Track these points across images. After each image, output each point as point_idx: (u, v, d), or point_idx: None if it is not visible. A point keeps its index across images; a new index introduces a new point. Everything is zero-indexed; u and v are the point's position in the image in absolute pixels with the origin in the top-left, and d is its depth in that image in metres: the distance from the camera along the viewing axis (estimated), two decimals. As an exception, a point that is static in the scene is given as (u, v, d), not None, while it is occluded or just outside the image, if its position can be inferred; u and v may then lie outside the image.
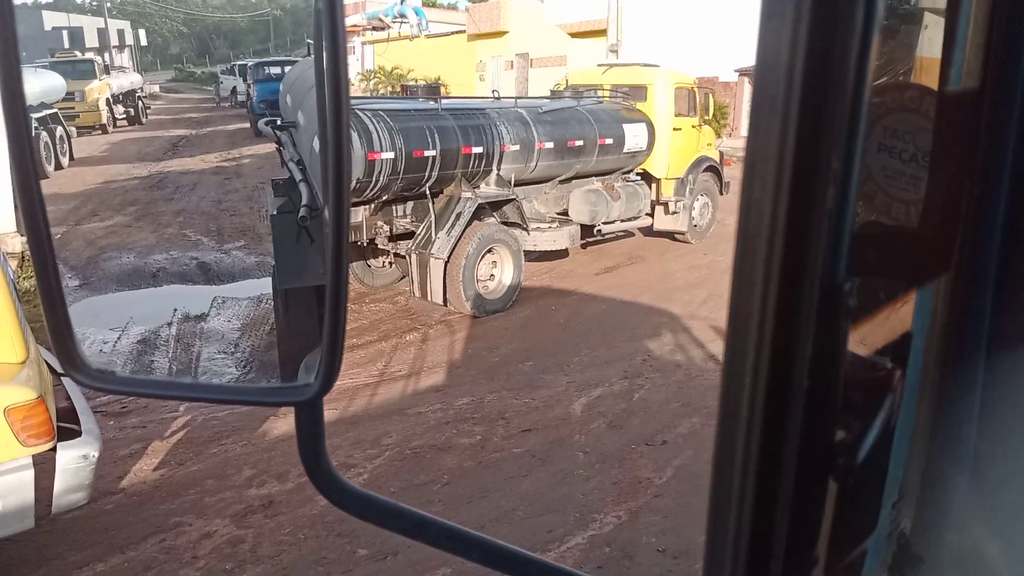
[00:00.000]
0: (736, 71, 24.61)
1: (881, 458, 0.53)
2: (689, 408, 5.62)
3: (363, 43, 32.33)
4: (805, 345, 0.41)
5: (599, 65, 11.54)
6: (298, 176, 4.52)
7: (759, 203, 0.41)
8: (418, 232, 7.61)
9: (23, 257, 9.01)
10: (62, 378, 4.06)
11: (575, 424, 5.40)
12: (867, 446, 0.50)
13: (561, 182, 9.00)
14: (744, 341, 0.41)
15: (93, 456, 3.39)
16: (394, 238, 7.74)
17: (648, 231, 10.62)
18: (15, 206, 9.14)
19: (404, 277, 8.44)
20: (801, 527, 0.44)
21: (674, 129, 9.98)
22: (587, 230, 9.17)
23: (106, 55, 36.86)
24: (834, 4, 0.39)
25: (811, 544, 0.46)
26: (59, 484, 3.32)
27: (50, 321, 0.63)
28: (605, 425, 5.39)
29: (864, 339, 0.54)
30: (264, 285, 8.49)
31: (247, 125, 24.71)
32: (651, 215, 10.19)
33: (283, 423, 5.38)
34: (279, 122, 6.03)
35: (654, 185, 10.11)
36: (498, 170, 8.02)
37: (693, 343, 6.96)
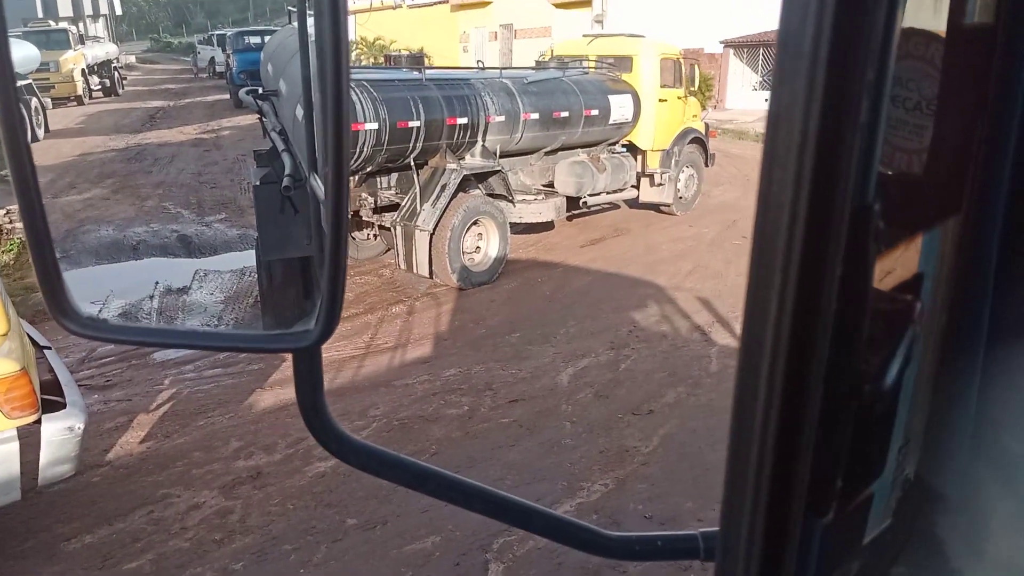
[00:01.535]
0: (721, 43, 24.48)
1: (894, 399, 0.53)
2: (675, 378, 5.67)
3: (344, 13, 31.78)
4: (833, 272, 0.40)
5: (584, 36, 11.44)
6: (280, 146, 4.45)
7: (786, 141, 0.40)
8: (403, 204, 7.56)
9: (1, 230, 8.87)
10: (44, 351, 4.02)
11: (562, 394, 5.43)
12: (884, 385, 0.49)
13: (547, 154, 8.96)
14: (770, 266, 0.40)
15: (79, 428, 3.37)
16: (379, 210, 7.68)
17: (634, 203, 10.62)
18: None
19: (389, 249, 8.39)
20: (822, 462, 0.43)
21: (660, 100, 9.93)
22: (573, 202, 9.15)
23: (80, 25, 36.01)
24: None
25: (830, 481, 0.46)
26: (45, 456, 3.30)
27: (39, 269, 0.62)
28: (592, 395, 5.42)
29: (881, 278, 0.54)
30: (246, 258, 8.41)
31: (226, 96, 24.32)
32: (636, 187, 10.17)
33: (270, 395, 5.37)
34: (260, 91, 5.94)
35: (640, 157, 10.09)
36: (483, 141, 7.96)
37: (679, 314, 7.00)
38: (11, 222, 9.09)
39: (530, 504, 0.73)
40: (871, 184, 0.43)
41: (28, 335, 3.86)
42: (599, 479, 4.35)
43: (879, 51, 0.41)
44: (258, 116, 6.71)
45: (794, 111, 0.40)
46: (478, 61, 10.05)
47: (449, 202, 7.42)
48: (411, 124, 7.12)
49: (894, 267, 0.54)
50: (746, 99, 24.61)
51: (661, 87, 9.95)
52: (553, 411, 5.19)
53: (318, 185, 2.06)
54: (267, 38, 17.35)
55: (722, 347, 6.16)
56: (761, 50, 24.21)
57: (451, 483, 0.72)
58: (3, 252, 8.56)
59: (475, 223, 7.78)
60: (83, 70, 24.38)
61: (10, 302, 3.75)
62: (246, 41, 24.15)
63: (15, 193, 0.58)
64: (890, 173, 0.63)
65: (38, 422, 3.26)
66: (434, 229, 7.32)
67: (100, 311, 6.86)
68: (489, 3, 26.24)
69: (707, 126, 11.31)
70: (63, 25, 26.60)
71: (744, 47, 24.66)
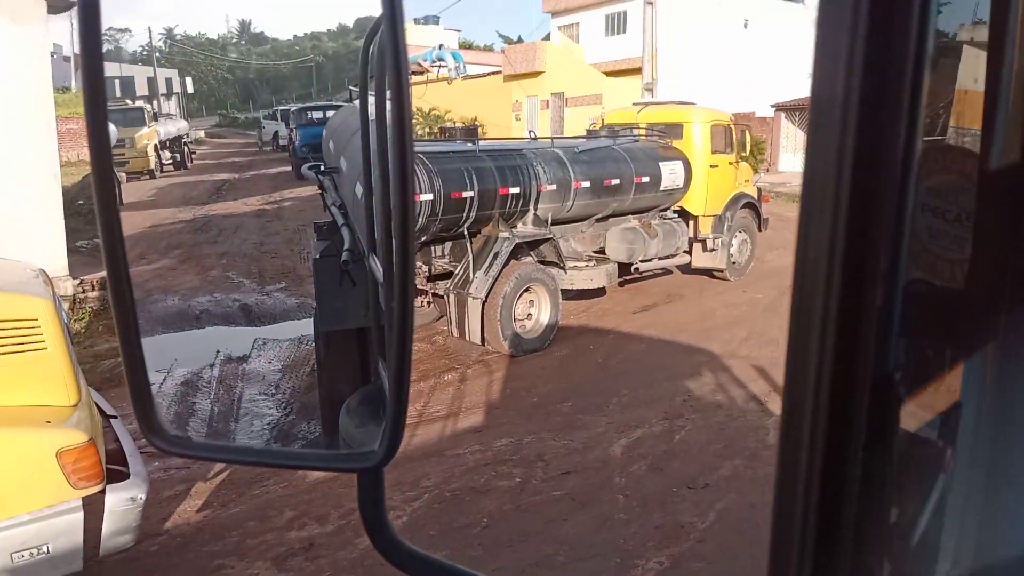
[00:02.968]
0: (772, 106, 24.57)
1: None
2: (731, 450, 5.52)
3: (401, 86, 32.92)
4: (859, 431, 0.42)
5: (634, 104, 11.63)
6: (340, 220, 4.62)
7: (816, 254, 0.43)
8: (456, 272, 7.68)
9: (74, 299, 9.28)
10: (111, 420, 4.15)
11: (615, 466, 5.34)
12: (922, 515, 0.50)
13: (598, 220, 9.03)
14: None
15: (140, 499, 3.45)
16: (432, 278, 7.82)
17: (686, 269, 10.56)
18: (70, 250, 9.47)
19: (442, 316, 8.49)
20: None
21: (711, 166, 9.97)
22: (624, 268, 9.16)
23: (155, 102, 38.19)
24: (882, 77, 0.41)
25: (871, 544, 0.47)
26: (107, 526, 3.38)
27: (132, 389, 0.67)
28: (646, 467, 5.32)
29: (915, 406, 0.55)
30: (303, 326, 8.61)
31: (288, 168, 25.29)
32: (689, 252, 10.15)
33: (323, 464, 5.41)
34: (322, 167, 6.19)
35: (691, 222, 10.09)
36: (535, 209, 8.08)
37: (734, 383, 6.86)
38: (83, 292, 9.51)
39: None
40: (902, 263, 0.45)
41: (96, 404, 4.01)
42: (654, 556, 4.23)
43: (908, 118, 0.43)
44: (319, 190, 6.98)
45: (828, 176, 0.42)
46: (530, 131, 10.32)
47: (501, 270, 7.52)
48: (465, 194, 7.29)
49: (930, 389, 0.55)
50: (799, 162, 24.49)
51: (712, 153, 10.01)
52: (606, 484, 5.10)
53: (376, 266, 2.13)
54: (329, 113, 18.07)
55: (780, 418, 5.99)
56: (813, 113, 24.21)
57: None
58: (75, 320, 8.94)
59: (527, 290, 7.84)
60: (156, 145, 25.75)
61: (81, 371, 3.91)
62: (308, 116, 25.19)
63: (115, 326, 0.63)
64: (932, 277, 0.64)
65: (102, 492, 3.35)
66: (487, 297, 7.40)
67: (164, 380, 7.08)
68: (541, 72, 26.91)
69: (760, 191, 11.28)
70: (139, 103, 28.25)
71: (795, 110, 24.68)
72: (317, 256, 4.77)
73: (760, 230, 11.06)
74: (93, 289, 9.53)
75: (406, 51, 0.74)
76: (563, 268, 8.34)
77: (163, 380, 7.16)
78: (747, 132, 11.32)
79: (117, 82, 39.94)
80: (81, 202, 16.24)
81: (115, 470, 3.55)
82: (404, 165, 0.65)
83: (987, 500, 0.64)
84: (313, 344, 6.47)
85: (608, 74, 26.00)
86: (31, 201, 8.76)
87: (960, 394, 0.60)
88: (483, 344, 7.63)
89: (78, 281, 9.50)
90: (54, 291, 4.19)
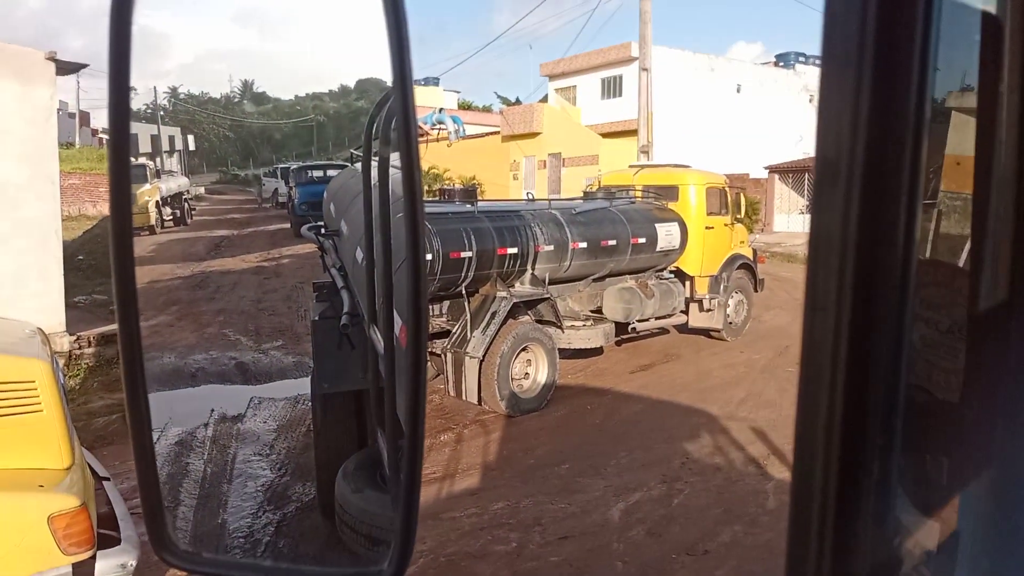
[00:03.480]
0: (766, 168, 25.00)
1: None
2: (731, 515, 5.45)
3: (400, 147, 33.45)
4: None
5: (631, 166, 11.83)
6: (340, 283, 4.65)
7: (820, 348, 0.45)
8: (453, 331, 7.69)
9: (70, 355, 9.24)
10: (104, 482, 4.11)
11: (613, 531, 5.26)
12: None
13: (595, 280, 9.09)
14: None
15: (131, 565, 3.39)
16: (429, 337, 7.82)
17: (683, 328, 10.58)
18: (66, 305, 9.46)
19: (439, 375, 8.46)
20: None
21: (706, 227, 10.10)
22: (622, 327, 9.18)
23: (157, 159, 38.70)
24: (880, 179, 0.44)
25: None
26: (96, 594, 3.31)
27: (146, 506, 0.68)
28: (644, 532, 5.24)
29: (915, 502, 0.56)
30: (300, 385, 8.56)
31: (287, 225, 25.45)
32: (686, 312, 10.19)
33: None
34: (323, 230, 6.27)
35: (688, 283, 10.16)
36: (532, 269, 8.14)
37: (732, 445, 6.81)
38: (80, 348, 9.48)
39: None
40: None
41: (89, 465, 3.96)
42: (654, 626, 4.14)
43: (908, 182, 0.46)
44: (319, 251, 7.03)
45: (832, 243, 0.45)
46: (528, 192, 10.46)
47: (499, 329, 7.53)
48: (463, 255, 7.35)
49: (928, 493, 0.56)
50: (793, 222, 24.79)
51: (708, 215, 10.14)
52: (604, 549, 5.01)
53: (377, 338, 2.15)
54: (329, 172, 18.25)
55: (779, 482, 5.94)
56: (806, 175, 24.57)
57: None
58: (71, 377, 8.89)
59: (524, 349, 7.84)
60: (157, 202, 25.96)
61: (75, 432, 3.88)
62: (308, 174, 25.45)
63: (132, 446, 0.65)
64: (928, 388, 0.66)
65: (93, 558, 3.30)
66: (484, 356, 7.40)
67: (157, 439, 7.00)
68: (539, 133, 27.44)
69: (755, 252, 11.40)
70: (142, 160, 28.59)
71: (788, 172, 25.10)
72: (316, 317, 4.78)
73: (756, 290, 11.14)
74: (89, 345, 9.51)
75: (416, 129, 0.78)
76: (560, 328, 8.35)
77: (157, 439, 7.08)
78: (742, 194, 11.50)
79: (120, 139, 40.34)
80: (81, 257, 16.31)
81: (106, 535, 3.49)
82: (417, 264, 0.68)
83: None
84: (310, 404, 6.43)
85: (604, 135, 26.52)
86: (31, 257, 8.81)
87: (958, 495, 0.61)
88: (480, 404, 7.59)
89: (75, 337, 9.48)
90: (51, 351, 4.19)
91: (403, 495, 0.67)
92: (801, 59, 32.09)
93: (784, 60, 32.69)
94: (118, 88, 0.67)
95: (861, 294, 0.46)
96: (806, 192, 24.62)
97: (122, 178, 0.63)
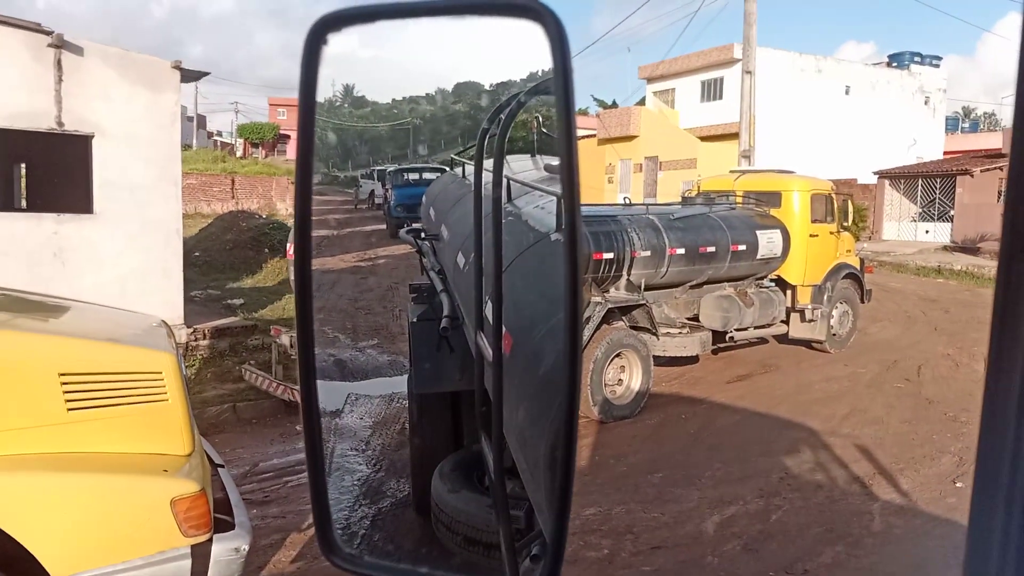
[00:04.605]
0: (875, 173, 23.87)
1: None
2: (832, 534, 5.25)
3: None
4: None
5: (731, 171, 11.56)
6: (439, 286, 4.74)
7: None
8: (548, 336, 7.71)
9: (187, 347, 9.81)
10: (219, 469, 4.34)
11: (707, 544, 5.16)
12: None
13: (692, 287, 8.93)
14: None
15: (244, 549, 3.56)
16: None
17: (783, 339, 10.25)
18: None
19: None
20: None
21: (810, 236, 9.75)
22: (719, 336, 8.99)
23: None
24: None
25: None
26: (211, 575, 3.50)
27: (316, 512, 0.73)
28: (740, 547, 5.12)
29: None
30: (394, 383, 8.79)
31: (383, 227, 26.07)
32: (786, 322, 9.87)
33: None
34: (423, 233, 6.42)
35: (789, 292, 9.84)
36: (628, 275, 8.07)
37: (835, 462, 6.55)
38: (196, 340, 10.06)
39: None
40: None
41: (206, 452, 4.19)
42: (750, 645, 4.04)
43: None
44: (417, 253, 7.19)
45: None
46: (624, 196, 10.38)
47: (593, 334, 7.51)
48: (558, 259, 7.36)
49: None
50: (904, 230, 23.60)
51: (812, 222, 9.80)
52: (698, 562, 4.93)
53: (485, 345, 2.19)
54: (426, 175, 18.58)
55: (885, 503, 5.68)
56: (920, 181, 23.34)
57: None
58: (187, 367, 9.43)
59: (618, 355, 7.79)
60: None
61: (195, 421, 4.12)
62: (404, 177, 25.94)
63: (305, 454, 0.70)
64: None
65: (210, 541, 3.49)
66: (577, 361, 7.38)
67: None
68: (635, 136, 27.15)
69: (862, 261, 10.94)
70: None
71: (900, 178, 23.89)
72: (415, 319, 4.88)
73: (863, 301, 10.68)
74: (204, 338, 10.07)
75: (575, 128, 0.78)
76: (655, 334, 8.25)
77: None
78: (849, 201, 11.03)
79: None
80: (197, 254, 17.28)
81: (221, 519, 3.69)
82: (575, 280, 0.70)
83: None
84: (404, 403, 6.59)
85: (703, 139, 25.96)
86: (156, 255, 9.42)
87: None
88: (572, 409, 7.58)
89: (191, 329, 10.06)
90: (175, 344, 4.46)
91: (552, 518, 0.69)
92: (916, 59, 30.46)
93: (898, 60, 31.09)
94: (306, 109, 0.73)
95: None
96: (919, 199, 23.37)
97: (305, 188, 0.68)
